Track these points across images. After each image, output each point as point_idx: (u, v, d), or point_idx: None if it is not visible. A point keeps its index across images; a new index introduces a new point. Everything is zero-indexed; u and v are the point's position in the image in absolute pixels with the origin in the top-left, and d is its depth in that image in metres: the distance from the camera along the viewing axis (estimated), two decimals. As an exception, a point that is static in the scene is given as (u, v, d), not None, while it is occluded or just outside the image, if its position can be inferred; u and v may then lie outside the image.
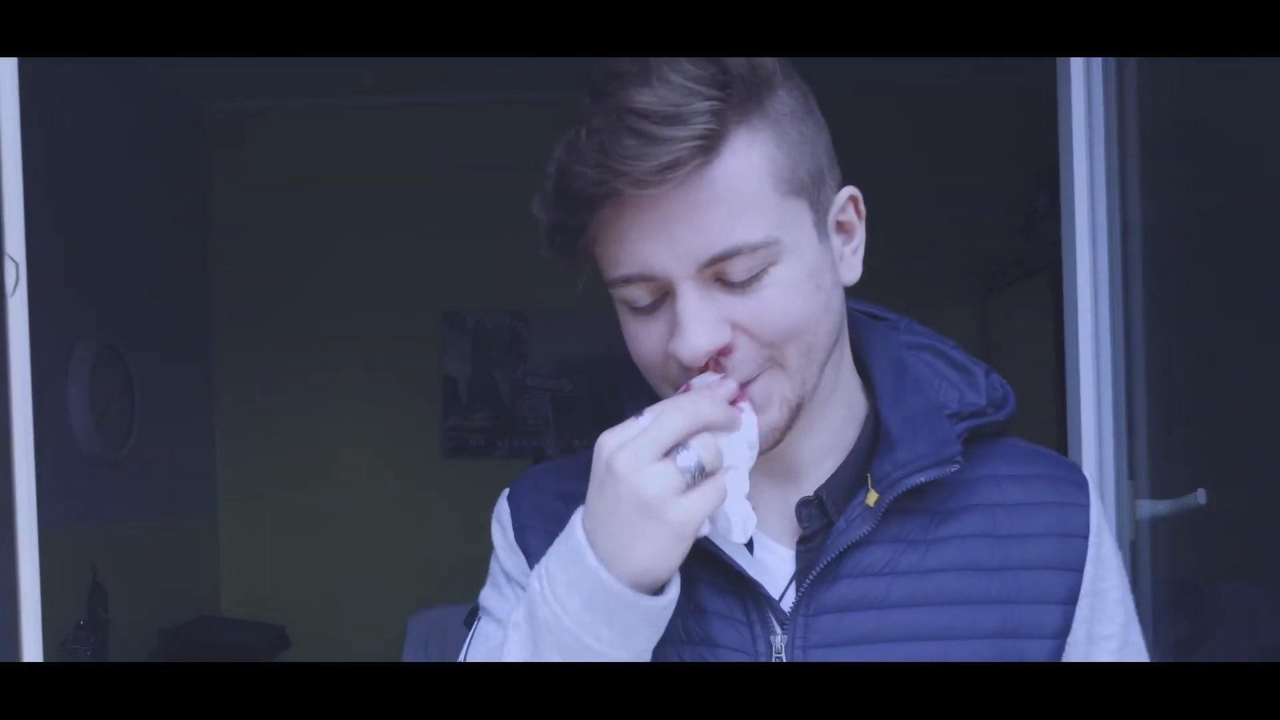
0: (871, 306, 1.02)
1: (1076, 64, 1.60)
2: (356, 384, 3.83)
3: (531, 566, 0.89)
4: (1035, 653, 0.88)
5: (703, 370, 0.82)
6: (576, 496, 0.83)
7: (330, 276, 3.77)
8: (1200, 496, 1.44)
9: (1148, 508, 1.53)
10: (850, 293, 0.91)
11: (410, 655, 3.40)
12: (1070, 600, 0.89)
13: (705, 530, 0.79)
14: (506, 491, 0.99)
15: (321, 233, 3.76)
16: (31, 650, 1.11)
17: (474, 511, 4.18)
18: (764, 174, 0.80)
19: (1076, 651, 0.91)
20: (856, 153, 0.99)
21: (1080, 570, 0.90)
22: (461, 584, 3.30)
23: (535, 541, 0.92)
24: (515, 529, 0.95)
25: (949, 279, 3.45)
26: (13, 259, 1.07)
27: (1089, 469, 1.57)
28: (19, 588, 1.09)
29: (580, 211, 0.80)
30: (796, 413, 0.85)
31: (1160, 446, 1.52)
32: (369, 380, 3.84)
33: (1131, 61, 1.53)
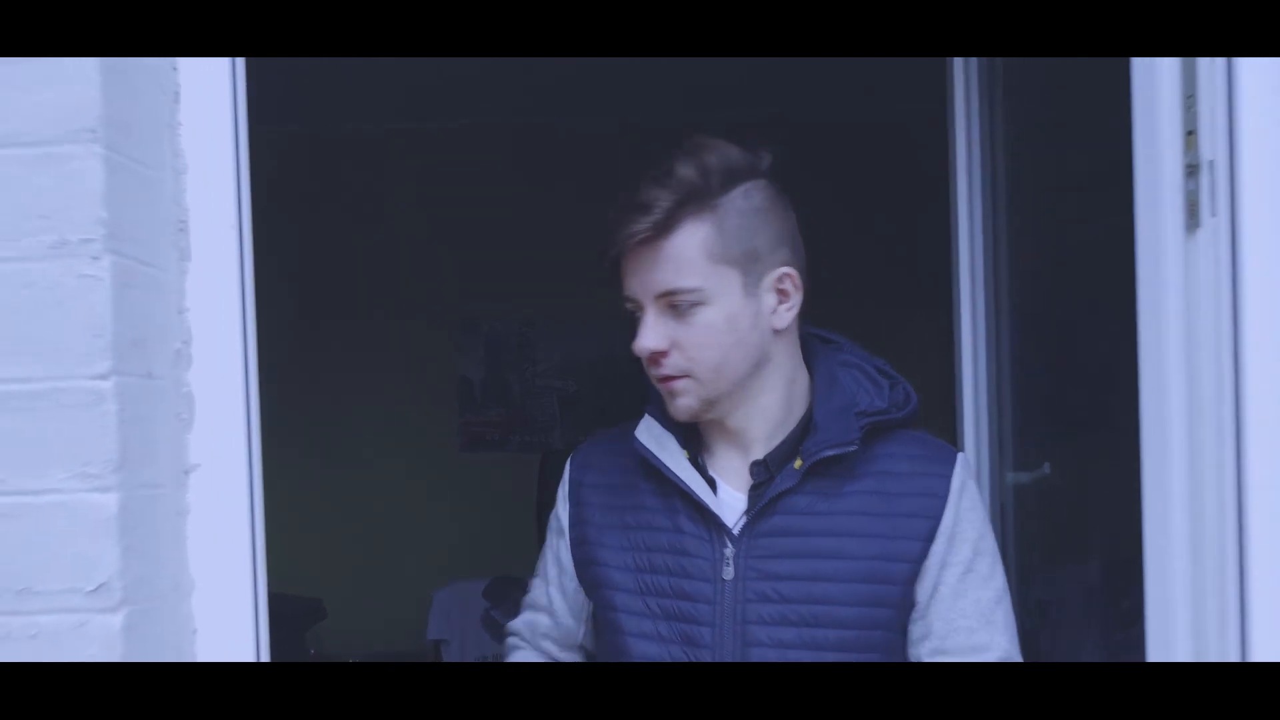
0: (828, 333, 1.36)
1: (959, 89, 1.90)
2: (382, 384, 4.01)
3: (583, 516, 1.31)
4: (899, 570, 1.22)
5: (652, 364, 1.20)
6: (622, 457, 1.26)
7: (360, 289, 3.95)
8: (1047, 468, 1.82)
9: (1012, 477, 1.90)
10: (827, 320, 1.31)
11: (434, 624, 3.67)
12: (929, 538, 1.22)
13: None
14: (571, 455, 1.38)
15: (354, 249, 3.94)
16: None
17: (487, 498, 4.57)
18: (698, 248, 1.17)
19: (931, 573, 1.22)
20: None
21: (939, 519, 1.22)
22: (477, 561, 3.64)
23: (587, 494, 1.33)
24: (571, 484, 1.35)
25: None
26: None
27: (969, 448, 1.93)
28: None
29: (610, 254, 1.20)
30: (709, 406, 1.22)
31: (1021, 431, 1.89)
32: (394, 380, 4.02)
33: (1000, 77, 1.84)
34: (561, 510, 1.36)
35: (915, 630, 1.25)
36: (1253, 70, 1.00)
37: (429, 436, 4.11)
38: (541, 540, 1.44)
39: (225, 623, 1.00)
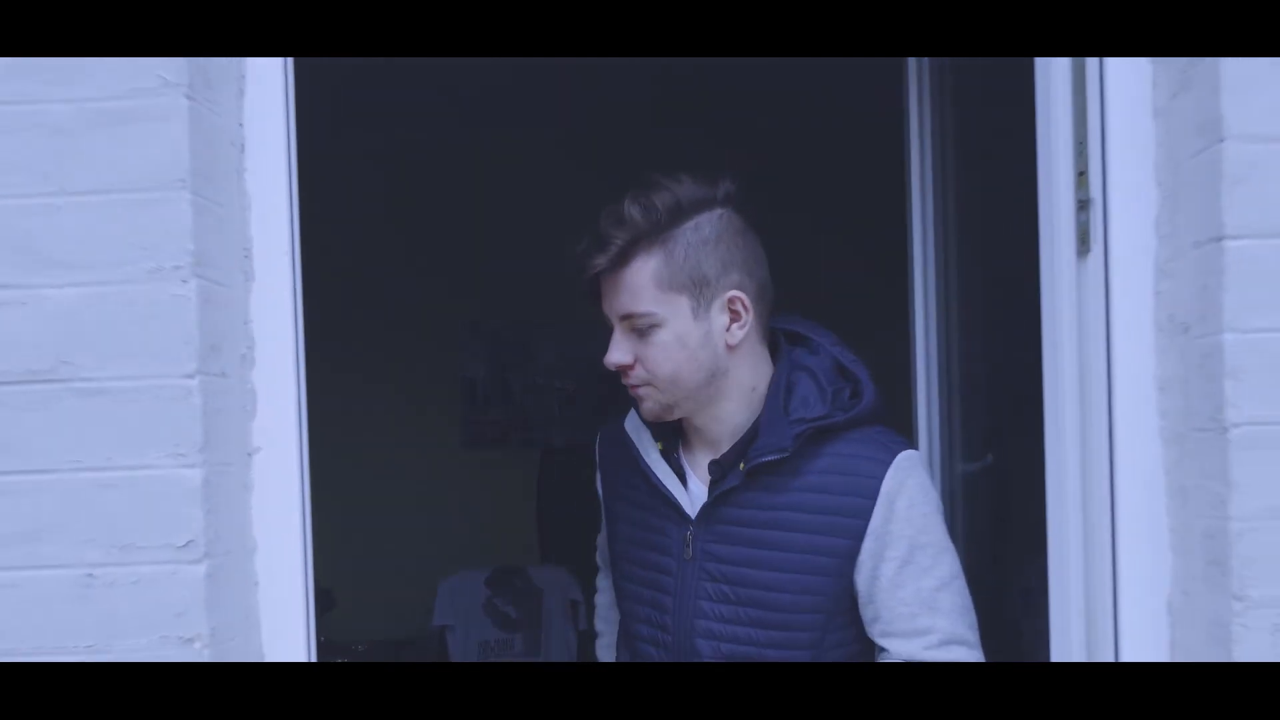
0: (811, 327, 1.45)
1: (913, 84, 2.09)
2: (390, 383, 4.15)
3: (607, 485, 1.54)
4: (828, 564, 1.33)
5: (621, 374, 1.39)
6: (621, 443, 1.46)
7: (370, 294, 4.09)
8: (989, 459, 2.04)
9: (961, 467, 2.12)
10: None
11: (440, 612, 3.77)
12: (859, 536, 1.33)
13: None
14: (599, 433, 1.59)
15: (368, 258, 4.06)
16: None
17: (489, 492, 4.78)
18: (649, 278, 1.32)
19: (866, 566, 1.33)
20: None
21: (868, 519, 1.33)
22: (479, 552, 3.84)
23: (608, 468, 1.55)
24: (599, 459, 1.58)
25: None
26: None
27: (922, 443, 2.15)
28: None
29: (583, 282, 1.38)
30: (669, 410, 1.39)
31: (968, 426, 2.11)
32: (400, 380, 4.16)
33: (949, 78, 2.03)
34: (598, 480, 1.59)
35: (866, 614, 1.38)
36: (1120, 121, 1.22)
37: (434, 434, 4.26)
38: (540, 531, 1.68)
39: (281, 577, 1.22)
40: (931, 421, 2.16)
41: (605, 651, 1.72)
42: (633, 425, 1.49)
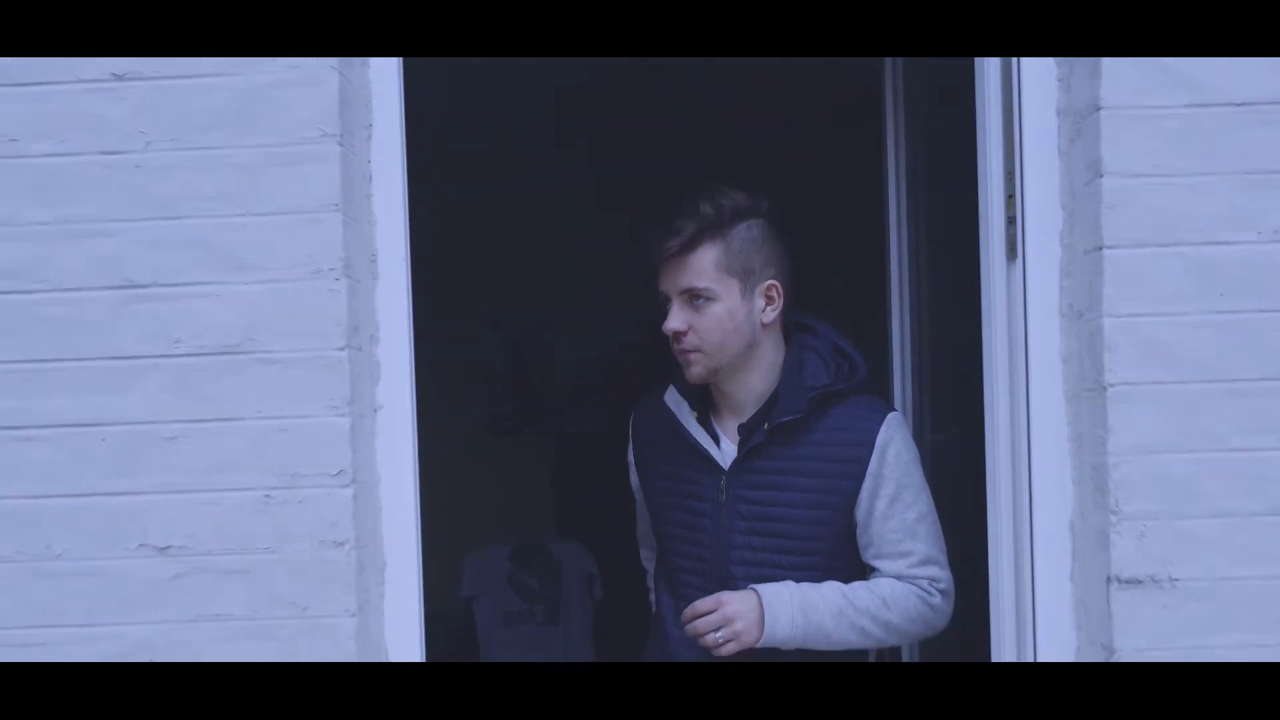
0: (813, 320, 1.79)
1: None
2: (423, 377, 4.46)
3: (639, 455, 1.87)
4: (836, 500, 1.68)
5: (675, 340, 1.72)
6: (660, 414, 1.80)
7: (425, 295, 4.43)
8: (954, 431, 2.43)
9: (930, 436, 2.51)
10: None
11: (467, 584, 4.09)
12: (859, 478, 1.68)
13: None
14: (632, 411, 1.91)
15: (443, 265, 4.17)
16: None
17: (511, 476, 5.13)
18: (710, 263, 1.67)
19: (864, 502, 1.67)
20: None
21: (866, 463, 1.68)
22: (501, 531, 4.16)
23: (640, 440, 1.87)
24: (632, 431, 1.91)
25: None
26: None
27: (906, 415, 2.54)
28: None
29: (651, 263, 1.71)
30: (711, 375, 1.73)
31: (938, 401, 2.49)
32: (427, 374, 4.46)
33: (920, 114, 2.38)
34: (630, 451, 1.93)
35: (861, 541, 1.74)
36: (1034, 158, 1.61)
37: (458, 422, 4.43)
38: (555, 513, 2.00)
39: (396, 504, 1.60)
40: (907, 399, 2.55)
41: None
42: (672, 399, 1.83)
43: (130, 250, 1.47)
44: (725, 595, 1.67)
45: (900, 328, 2.55)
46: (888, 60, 2.52)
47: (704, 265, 1.67)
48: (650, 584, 2.03)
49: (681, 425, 1.80)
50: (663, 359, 1.84)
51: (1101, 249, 1.47)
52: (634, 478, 1.94)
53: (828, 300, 2.44)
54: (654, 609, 1.88)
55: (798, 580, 1.70)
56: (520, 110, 4.21)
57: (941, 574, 1.74)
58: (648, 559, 2.03)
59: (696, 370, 1.72)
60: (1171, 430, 1.46)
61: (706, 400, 1.81)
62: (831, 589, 1.70)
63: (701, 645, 1.66)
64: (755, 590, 1.67)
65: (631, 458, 1.93)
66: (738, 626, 1.64)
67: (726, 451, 1.77)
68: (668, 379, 1.88)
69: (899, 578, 1.72)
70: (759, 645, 1.65)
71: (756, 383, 1.76)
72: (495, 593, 4.16)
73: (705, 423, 1.79)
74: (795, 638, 1.65)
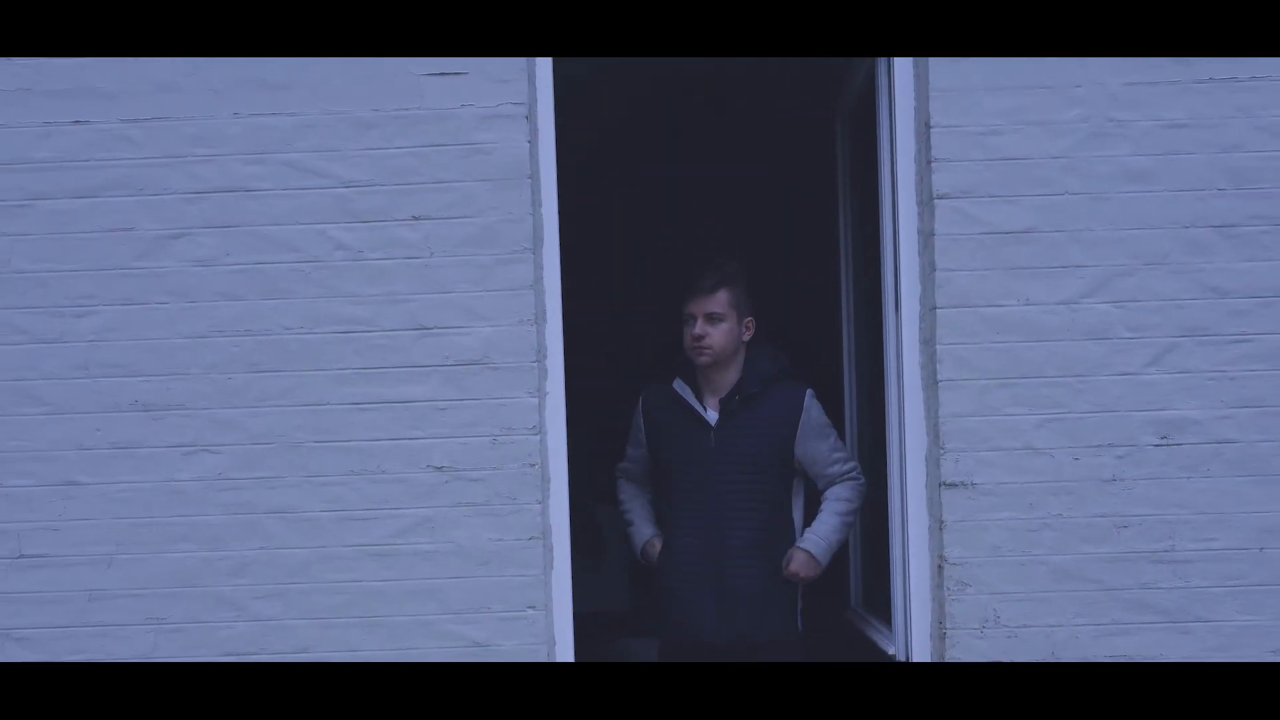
0: (761, 343, 3.18)
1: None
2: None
3: (651, 423, 3.21)
4: (783, 441, 3.01)
5: (695, 341, 3.08)
6: (666, 396, 3.18)
7: None
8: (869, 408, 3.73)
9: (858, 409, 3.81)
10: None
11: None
12: (794, 424, 3.02)
13: None
14: (642, 394, 3.28)
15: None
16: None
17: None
18: (725, 300, 3.04)
19: (800, 441, 3.02)
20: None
21: (799, 416, 3.04)
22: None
23: (652, 413, 3.19)
24: (643, 406, 3.26)
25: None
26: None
27: (848, 408, 3.83)
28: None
29: (690, 296, 3.07)
30: (712, 364, 3.08)
31: (862, 389, 3.78)
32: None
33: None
34: (639, 420, 3.24)
35: (805, 463, 3.06)
36: (907, 248, 2.94)
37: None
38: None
39: (556, 456, 2.90)
40: (851, 390, 3.87)
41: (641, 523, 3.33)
42: (679, 385, 3.15)
43: (425, 307, 2.80)
44: (795, 563, 3.00)
45: (847, 342, 3.87)
46: (837, 122, 3.82)
47: (721, 300, 3.03)
48: (630, 518, 3.30)
49: (685, 400, 3.12)
50: (670, 358, 3.14)
51: (935, 308, 2.79)
52: (641, 439, 3.21)
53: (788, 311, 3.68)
54: (647, 540, 3.22)
55: (754, 486, 3.03)
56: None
57: (857, 465, 3.14)
58: (629, 495, 3.31)
59: (705, 360, 3.06)
60: (973, 405, 2.78)
61: (697, 386, 3.13)
62: (829, 515, 3.04)
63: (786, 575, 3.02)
64: (807, 549, 3.02)
65: (641, 426, 3.21)
66: (806, 573, 3.02)
67: (712, 417, 3.10)
68: (671, 374, 3.16)
69: (840, 476, 3.08)
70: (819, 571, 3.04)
71: (732, 374, 3.10)
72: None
73: (699, 399, 3.11)
74: (828, 557, 3.03)
